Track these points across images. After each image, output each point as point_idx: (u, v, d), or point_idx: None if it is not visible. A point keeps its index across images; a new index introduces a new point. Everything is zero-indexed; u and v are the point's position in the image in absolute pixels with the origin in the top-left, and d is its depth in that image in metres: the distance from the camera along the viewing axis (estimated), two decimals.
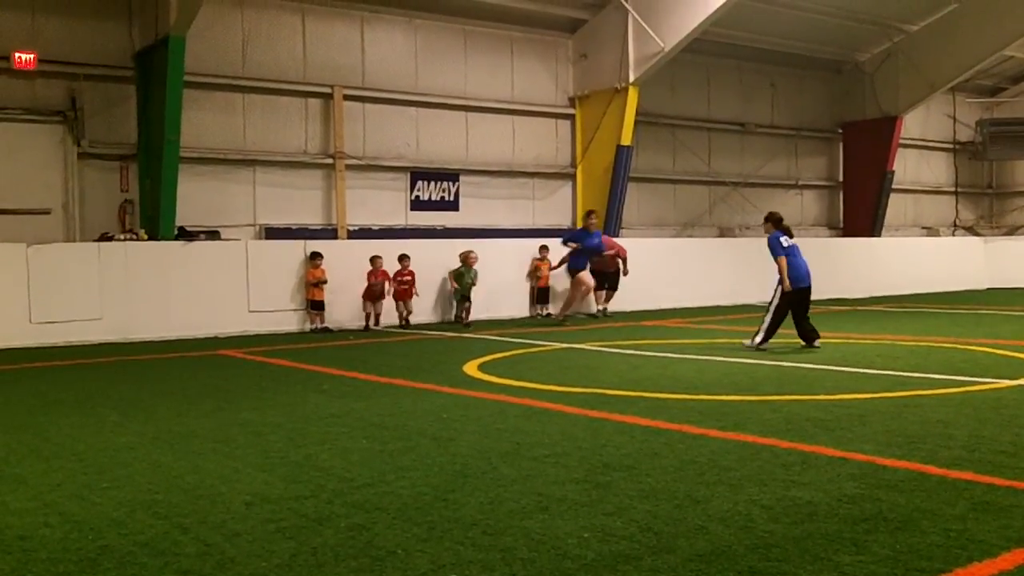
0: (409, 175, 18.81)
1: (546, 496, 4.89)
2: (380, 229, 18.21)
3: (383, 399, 8.24)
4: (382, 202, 18.47)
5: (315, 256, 15.14)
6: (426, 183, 19.00)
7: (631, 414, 7.18)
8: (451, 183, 19.31)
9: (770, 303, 11.48)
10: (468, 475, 5.38)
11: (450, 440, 6.37)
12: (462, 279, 16.04)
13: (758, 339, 11.21)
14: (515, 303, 17.55)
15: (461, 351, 11.94)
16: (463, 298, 16.08)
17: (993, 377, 8.81)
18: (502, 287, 17.22)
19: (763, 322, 11.34)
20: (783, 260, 11.23)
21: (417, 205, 18.92)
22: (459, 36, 19.45)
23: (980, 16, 22.53)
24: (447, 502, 4.82)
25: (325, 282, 15.13)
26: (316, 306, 15.21)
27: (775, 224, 11.61)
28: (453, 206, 19.35)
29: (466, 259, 15.95)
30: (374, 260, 15.43)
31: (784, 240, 11.39)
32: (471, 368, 10.17)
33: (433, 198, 19.12)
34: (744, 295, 19.40)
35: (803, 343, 11.32)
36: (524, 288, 17.71)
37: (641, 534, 4.24)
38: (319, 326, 15.19)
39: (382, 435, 6.58)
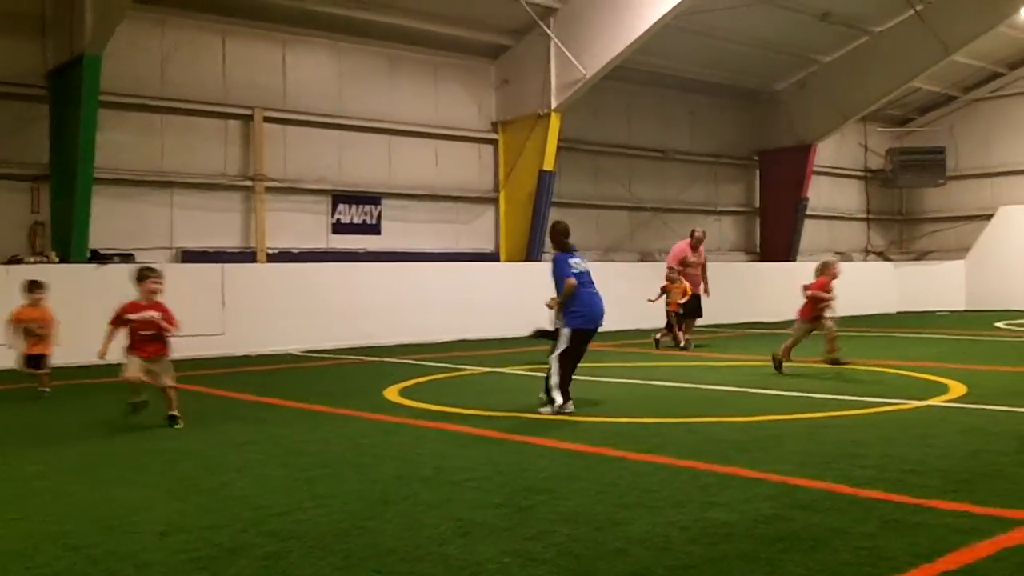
0: (331, 198, 18.65)
1: (466, 521, 4.86)
2: (300, 252, 18.01)
3: (302, 425, 8.12)
4: (303, 225, 18.25)
5: (32, 287, 10.27)
6: (348, 206, 18.84)
7: (552, 438, 7.20)
8: (373, 206, 19.20)
9: (552, 345, 8.72)
10: (387, 501, 5.32)
11: (369, 466, 6.30)
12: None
13: (557, 400, 8.41)
14: (444, 325, 17.41)
15: (383, 376, 11.85)
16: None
17: (902, 398, 9.06)
18: (432, 309, 17.16)
19: (548, 377, 8.52)
20: (572, 282, 8.52)
21: (339, 228, 18.74)
22: (383, 60, 19.43)
23: (890, 49, 23.33)
24: (364, 529, 4.76)
25: (39, 327, 10.16)
26: (32, 362, 10.22)
27: (561, 237, 8.95)
28: (375, 230, 19.22)
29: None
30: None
31: (573, 262, 8.71)
32: (392, 393, 10.09)
33: (355, 221, 18.97)
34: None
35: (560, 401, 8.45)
36: (454, 309, 17.56)
37: (561, 558, 4.24)
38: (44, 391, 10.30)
39: (300, 462, 6.49)
